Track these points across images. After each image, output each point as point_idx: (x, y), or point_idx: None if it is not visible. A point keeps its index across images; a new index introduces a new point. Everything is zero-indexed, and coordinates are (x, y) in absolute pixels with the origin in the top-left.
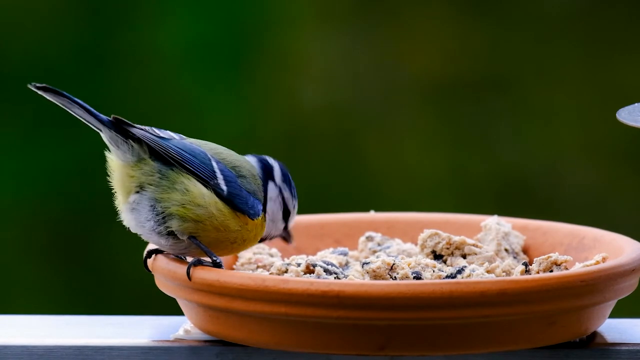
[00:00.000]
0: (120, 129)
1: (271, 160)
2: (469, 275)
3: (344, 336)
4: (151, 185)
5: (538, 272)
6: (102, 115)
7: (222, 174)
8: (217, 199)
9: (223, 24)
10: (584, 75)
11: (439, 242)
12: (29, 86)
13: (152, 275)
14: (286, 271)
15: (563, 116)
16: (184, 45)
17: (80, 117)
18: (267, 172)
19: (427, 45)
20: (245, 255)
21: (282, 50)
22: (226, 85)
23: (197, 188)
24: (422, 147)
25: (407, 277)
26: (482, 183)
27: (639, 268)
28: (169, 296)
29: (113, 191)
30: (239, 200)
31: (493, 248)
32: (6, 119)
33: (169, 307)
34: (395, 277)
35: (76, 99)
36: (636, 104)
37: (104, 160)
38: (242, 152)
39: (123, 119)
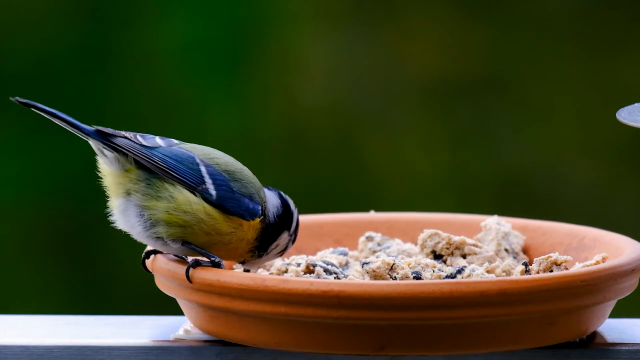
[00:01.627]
0: (106, 140)
1: (292, 206)
2: (469, 275)
3: (344, 336)
4: (137, 192)
5: (538, 272)
6: (86, 127)
7: (211, 178)
8: (205, 205)
9: (223, 24)
10: (584, 75)
11: (439, 242)
12: (12, 100)
13: (152, 275)
14: (286, 271)
15: (563, 116)
16: (184, 45)
17: (66, 127)
18: (285, 219)
19: (426, 45)
20: None
21: (282, 50)
22: (226, 85)
23: (182, 195)
24: (422, 147)
25: (407, 277)
26: (482, 183)
27: (639, 268)
28: (169, 296)
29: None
30: (230, 204)
31: (493, 248)
32: (7, 119)
33: (169, 307)
34: (395, 277)
35: (59, 113)
36: (636, 104)
37: None
38: (243, 151)
39: (105, 130)
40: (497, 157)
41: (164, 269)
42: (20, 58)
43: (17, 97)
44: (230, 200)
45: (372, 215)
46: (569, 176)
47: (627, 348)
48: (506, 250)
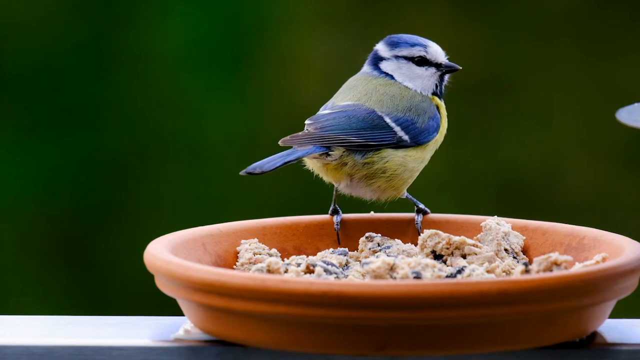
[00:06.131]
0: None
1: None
2: (469, 275)
3: (344, 336)
4: (357, 174)
5: (538, 272)
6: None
7: (399, 126)
8: (408, 152)
9: (223, 24)
10: (584, 75)
11: (439, 242)
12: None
13: (152, 275)
14: (286, 271)
15: (563, 116)
16: (184, 45)
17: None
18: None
19: None
20: (245, 255)
21: (281, 50)
22: (226, 85)
23: (390, 162)
24: None
25: (407, 277)
26: (482, 183)
27: (639, 268)
28: (169, 296)
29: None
30: (423, 138)
31: (493, 248)
32: (6, 118)
33: (169, 307)
34: (395, 277)
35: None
36: (636, 104)
37: (103, 160)
38: (243, 151)
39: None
40: (497, 157)
41: (164, 269)
42: (20, 58)
43: None
44: (421, 136)
45: (372, 215)
46: (569, 176)
47: (627, 348)
48: (506, 250)
